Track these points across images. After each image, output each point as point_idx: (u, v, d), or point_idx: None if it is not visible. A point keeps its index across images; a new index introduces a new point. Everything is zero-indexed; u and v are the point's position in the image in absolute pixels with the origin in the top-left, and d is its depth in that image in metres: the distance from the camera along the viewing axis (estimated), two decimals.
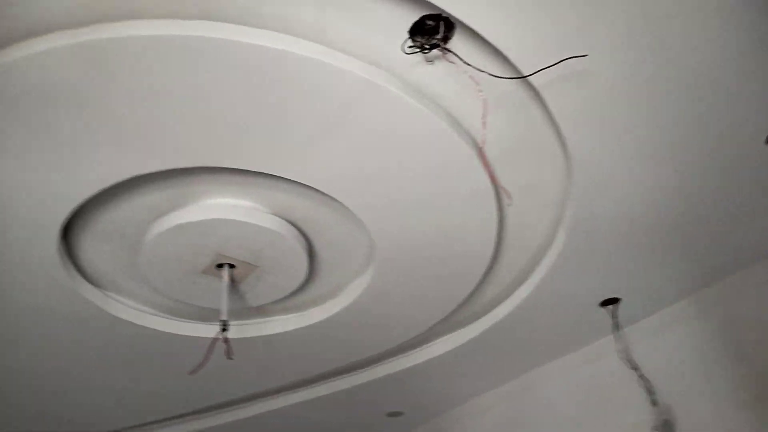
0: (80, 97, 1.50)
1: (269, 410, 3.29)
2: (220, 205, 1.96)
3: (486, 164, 1.75)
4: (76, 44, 1.39)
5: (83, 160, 1.67)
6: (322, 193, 1.91)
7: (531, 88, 1.58)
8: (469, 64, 1.46)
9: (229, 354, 1.97)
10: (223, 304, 2.07)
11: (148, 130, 1.61)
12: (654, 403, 2.51)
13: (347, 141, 1.71)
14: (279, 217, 2.04)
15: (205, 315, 2.50)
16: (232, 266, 2.13)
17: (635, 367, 2.62)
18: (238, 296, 2.28)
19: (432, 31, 1.42)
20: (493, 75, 1.47)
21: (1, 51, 1.41)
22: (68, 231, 1.99)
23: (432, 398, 3.37)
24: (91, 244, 2.07)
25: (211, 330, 2.53)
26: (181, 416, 3.36)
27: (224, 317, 2.03)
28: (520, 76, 1.48)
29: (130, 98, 1.52)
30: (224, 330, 2.00)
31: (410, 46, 1.45)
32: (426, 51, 1.45)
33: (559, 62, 1.42)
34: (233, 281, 2.18)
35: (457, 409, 3.50)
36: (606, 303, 2.56)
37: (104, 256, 2.14)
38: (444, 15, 1.39)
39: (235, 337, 2.49)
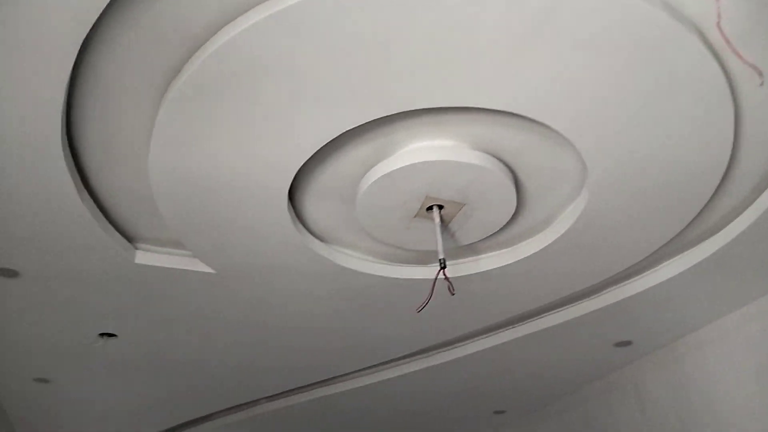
0: (284, 64, 1.60)
1: (489, 347, 3.35)
2: (423, 149, 1.98)
3: (727, 41, 1.51)
4: (273, 14, 1.47)
5: (297, 124, 1.79)
6: (524, 118, 1.83)
7: None
8: None
9: (451, 289, 2.02)
10: (439, 243, 2.12)
11: (348, 85, 1.67)
12: None
13: (547, 54, 1.59)
14: (481, 151, 2.00)
15: (421, 258, 2.59)
16: (441, 207, 2.16)
17: None
18: (449, 236, 2.31)
19: None
20: None
21: (212, 38, 1.56)
22: (293, 194, 2.18)
23: (664, 324, 3.14)
24: (314, 204, 2.25)
25: (428, 272, 2.64)
26: (405, 357, 3.58)
27: (442, 256, 2.07)
28: None
29: (328, 56, 1.58)
30: (443, 267, 2.05)
31: None
32: None
33: None
34: (443, 221, 2.22)
35: (693, 335, 3.21)
36: None
37: (326, 213, 2.31)
38: None
39: (450, 276, 2.55)
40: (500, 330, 3.27)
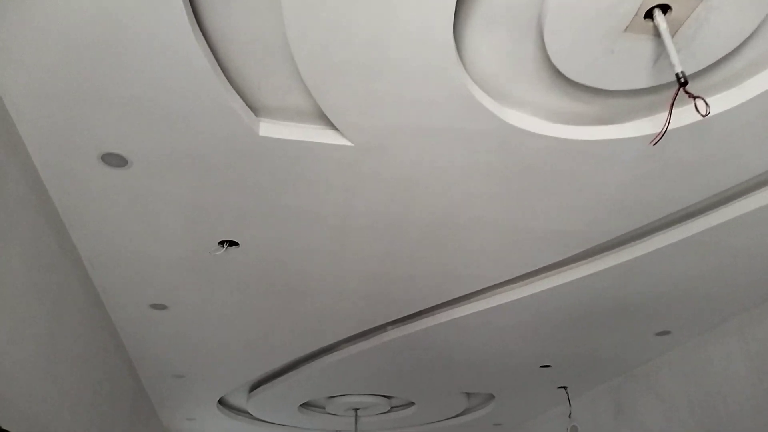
0: None
1: (666, 245, 2.74)
2: None
3: None
4: None
5: None
6: None
7: None
8: None
9: (702, 109, 1.45)
10: (672, 53, 1.54)
11: None
12: None
13: None
14: None
15: (607, 114, 2.03)
16: (665, 10, 1.57)
17: None
18: (666, 63, 1.72)
19: None
20: None
21: None
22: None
23: None
24: (478, 40, 1.74)
25: (618, 131, 2.09)
26: (558, 266, 3.04)
27: (679, 68, 1.50)
28: None
29: None
30: (684, 84, 1.47)
31: None
32: None
33: None
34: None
35: None
36: None
37: (492, 53, 1.79)
38: None
39: (651, 132, 1.99)
40: (688, 220, 2.64)
